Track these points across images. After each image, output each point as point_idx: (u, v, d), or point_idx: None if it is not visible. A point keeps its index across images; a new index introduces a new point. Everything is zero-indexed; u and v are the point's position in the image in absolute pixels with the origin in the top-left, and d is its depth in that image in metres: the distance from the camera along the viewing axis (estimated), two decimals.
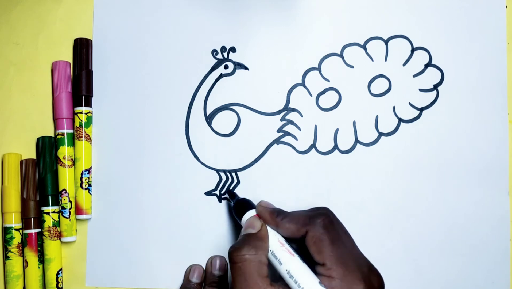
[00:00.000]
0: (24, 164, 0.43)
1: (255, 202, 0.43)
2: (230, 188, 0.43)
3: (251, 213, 0.38)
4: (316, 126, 0.44)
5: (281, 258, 0.35)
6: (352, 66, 0.44)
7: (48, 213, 0.42)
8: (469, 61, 0.44)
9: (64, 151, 0.43)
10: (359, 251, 0.35)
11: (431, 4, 0.44)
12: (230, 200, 0.42)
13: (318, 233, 0.34)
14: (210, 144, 0.44)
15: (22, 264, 0.43)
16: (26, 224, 0.42)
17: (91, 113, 0.44)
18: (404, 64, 0.44)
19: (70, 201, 0.43)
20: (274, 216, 0.37)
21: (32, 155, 0.44)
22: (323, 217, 0.35)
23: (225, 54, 0.44)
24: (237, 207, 0.40)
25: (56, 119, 0.43)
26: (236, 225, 0.43)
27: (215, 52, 0.44)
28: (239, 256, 0.33)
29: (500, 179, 0.43)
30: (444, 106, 0.43)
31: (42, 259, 0.43)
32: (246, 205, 0.40)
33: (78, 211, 0.43)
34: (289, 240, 0.36)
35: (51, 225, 0.42)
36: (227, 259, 0.43)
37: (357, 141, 0.43)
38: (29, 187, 0.42)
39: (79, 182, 0.43)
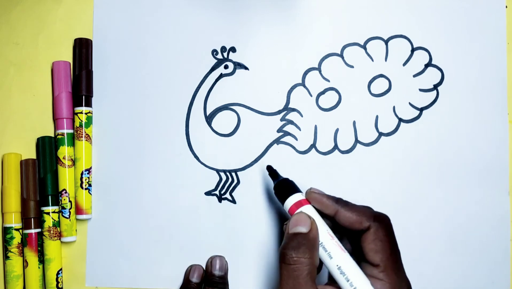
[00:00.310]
0: (24, 164, 0.43)
1: (253, 203, 0.43)
2: (230, 188, 0.43)
3: (297, 197, 0.36)
4: (316, 126, 0.44)
5: (331, 251, 0.33)
6: (352, 66, 0.44)
7: (48, 213, 0.42)
8: (469, 61, 0.44)
9: (64, 151, 0.43)
10: (403, 268, 0.35)
11: (431, 4, 0.44)
12: (272, 179, 0.39)
13: (381, 232, 0.33)
14: (210, 144, 0.44)
15: (22, 264, 0.43)
16: (26, 224, 0.42)
17: (91, 113, 0.44)
18: (404, 64, 0.44)
19: (70, 201, 0.43)
20: (333, 201, 0.35)
21: (32, 155, 0.44)
22: (387, 220, 0.34)
23: (225, 54, 0.44)
24: (279, 188, 0.38)
25: (56, 119, 0.43)
26: (237, 226, 0.43)
27: (215, 52, 0.44)
28: (293, 257, 0.32)
29: (500, 179, 0.43)
30: (444, 106, 0.43)
31: (42, 259, 0.43)
32: (289, 187, 0.37)
33: (78, 211, 0.43)
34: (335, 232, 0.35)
35: (51, 225, 0.42)
36: (227, 259, 0.43)
37: (357, 141, 0.43)
38: (29, 187, 0.42)
39: (79, 182, 0.43)
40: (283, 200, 0.37)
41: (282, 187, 0.37)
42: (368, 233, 0.33)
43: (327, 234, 0.34)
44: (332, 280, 0.34)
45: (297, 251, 0.32)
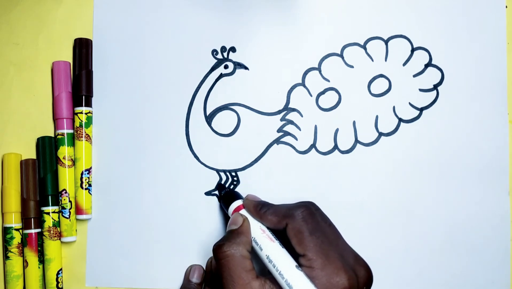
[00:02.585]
0: (24, 164, 0.43)
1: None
2: (231, 188, 0.43)
3: (237, 203, 0.40)
4: (316, 126, 0.44)
5: (261, 244, 0.36)
6: (352, 66, 0.44)
7: (48, 213, 0.42)
8: (469, 61, 0.44)
9: (64, 151, 0.43)
10: (345, 243, 0.36)
11: (431, 4, 0.44)
12: (219, 192, 0.43)
13: (297, 224, 0.35)
14: (210, 144, 0.44)
15: (22, 264, 0.43)
16: (26, 224, 0.42)
17: (91, 113, 0.44)
18: (404, 64, 0.44)
19: (70, 201, 0.43)
20: (258, 208, 0.38)
21: (32, 155, 0.44)
22: (302, 209, 0.36)
23: (225, 54, 0.44)
24: (225, 198, 0.41)
25: (56, 119, 0.43)
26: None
27: (215, 52, 0.44)
28: (221, 252, 0.35)
29: (500, 179, 0.43)
30: (444, 106, 0.43)
31: (42, 259, 0.43)
32: (233, 196, 0.41)
33: (78, 211, 0.43)
34: (274, 232, 0.37)
35: (51, 225, 0.42)
36: None
37: (357, 141, 0.43)
38: (29, 187, 0.42)
39: (79, 182, 0.43)
40: (227, 208, 0.41)
41: (226, 197, 0.41)
42: (288, 229, 0.35)
43: (259, 229, 0.37)
44: None
45: (224, 245, 0.35)
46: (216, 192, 0.43)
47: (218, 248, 0.35)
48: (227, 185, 0.43)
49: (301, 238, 0.34)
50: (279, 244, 0.36)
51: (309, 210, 0.36)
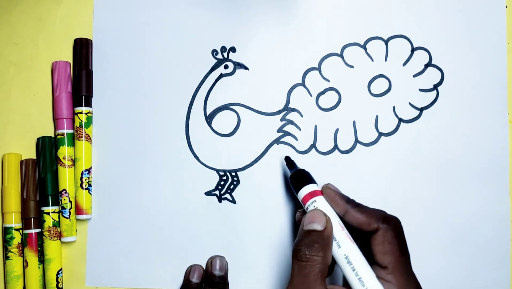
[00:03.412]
0: (24, 164, 0.43)
1: (252, 203, 0.43)
2: (230, 188, 0.43)
3: (311, 187, 0.37)
4: (316, 126, 0.44)
5: (340, 241, 0.34)
6: (352, 66, 0.44)
7: (48, 213, 0.42)
8: (469, 61, 0.44)
9: (64, 151, 0.43)
10: (412, 270, 0.35)
11: (431, 4, 0.44)
12: (288, 168, 0.41)
13: (389, 234, 0.33)
14: (210, 144, 0.44)
15: (22, 264, 0.43)
16: (26, 224, 0.42)
17: (91, 113, 0.44)
18: (404, 64, 0.44)
19: (70, 201, 0.43)
20: (345, 201, 0.36)
21: (32, 155, 0.44)
22: (397, 222, 0.34)
23: (225, 54, 0.44)
24: (295, 178, 0.39)
25: (56, 119, 0.43)
26: (237, 226, 0.43)
27: (215, 52, 0.44)
28: (305, 255, 0.32)
29: (500, 179, 0.43)
30: (444, 106, 0.43)
31: (42, 259, 0.43)
32: (305, 177, 0.38)
33: (78, 211, 0.43)
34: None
35: (51, 225, 0.42)
36: (227, 259, 0.43)
37: (357, 141, 0.43)
38: (29, 187, 0.42)
39: (79, 182, 0.43)
40: (297, 189, 0.38)
41: (298, 177, 0.38)
42: (376, 235, 0.34)
43: (338, 225, 0.34)
44: (346, 284, 0.34)
45: (310, 248, 0.32)
46: (216, 192, 0.43)
47: (302, 248, 0.33)
48: (227, 185, 0.43)
49: (389, 250, 0.33)
50: (357, 247, 0.34)
51: (401, 225, 0.34)
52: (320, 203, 0.36)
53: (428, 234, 0.43)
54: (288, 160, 0.41)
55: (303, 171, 0.39)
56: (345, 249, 0.33)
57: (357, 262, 0.33)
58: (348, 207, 0.35)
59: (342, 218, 0.36)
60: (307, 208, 0.37)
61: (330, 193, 0.36)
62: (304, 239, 0.33)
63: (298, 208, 0.43)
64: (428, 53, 0.44)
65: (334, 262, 0.34)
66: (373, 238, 0.34)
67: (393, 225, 0.34)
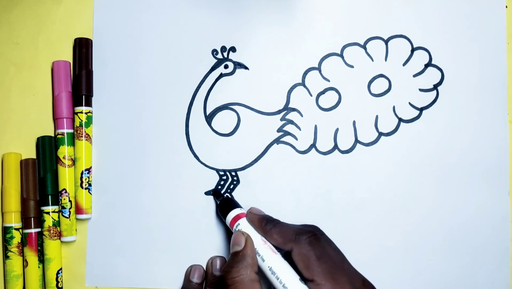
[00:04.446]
0: (24, 164, 0.43)
1: (252, 203, 0.43)
2: (230, 188, 0.43)
3: (236, 212, 0.40)
4: (316, 126, 0.44)
5: (263, 255, 0.36)
6: (352, 66, 0.44)
7: (48, 213, 0.42)
8: (469, 61, 0.44)
9: (64, 151, 0.43)
10: (351, 266, 0.35)
11: (431, 4, 0.44)
12: (215, 199, 0.43)
13: (303, 249, 0.35)
14: (210, 144, 0.44)
15: (22, 264, 0.43)
16: (26, 224, 0.42)
17: (91, 113, 0.44)
18: (404, 64, 0.44)
19: (70, 201, 0.43)
20: (263, 223, 0.38)
21: (32, 154, 0.44)
22: (308, 234, 0.35)
23: (225, 54, 0.44)
24: (222, 205, 0.41)
25: (56, 119, 0.43)
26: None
27: (215, 52, 0.44)
28: (230, 278, 0.34)
29: (500, 179, 0.43)
30: (444, 106, 0.43)
31: (42, 259, 0.43)
32: (231, 204, 0.41)
33: (78, 210, 0.43)
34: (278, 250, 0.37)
35: (51, 225, 0.42)
36: (227, 260, 0.43)
37: (357, 141, 0.43)
38: (29, 186, 0.42)
39: (79, 181, 0.43)
40: (224, 216, 0.40)
41: (224, 205, 0.41)
42: (293, 254, 0.35)
43: (260, 240, 0.37)
44: None
45: (232, 271, 0.35)
46: (216, 192, 0.43)
47: (226, 274, 0.35)
48: (227, 185, 0.43)
49: (308, 263, 0.34)
50: (280, 256, 0.36)
51: (315, 235, 0.35)
52: (243, 225, 0.38)
53: (428, 234, 0.43)
54: (215, 192, 0.43)
55: (227, 198, 0.42)
56: (268, 262, 0.35)
57: (280, 271, 0.34)
58: (266, 229, 0.37)
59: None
60: (234, 230, 0.39)
61: (251, 216, 0.39)
62: (229, 263, 0.36)
63: (298, 208, 0.43)
64: (428, 53, 0.44)
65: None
66: (293, 258, 0.35)
67: (305, 236, 0.35)
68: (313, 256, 0.34)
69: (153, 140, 0.44)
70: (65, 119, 0.43)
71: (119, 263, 0.43)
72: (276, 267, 0.35)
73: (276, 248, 0.37)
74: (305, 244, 0.35)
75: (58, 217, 0.43)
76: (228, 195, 0.43)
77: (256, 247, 0.36)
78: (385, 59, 0.44)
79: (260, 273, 0.36)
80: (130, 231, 0.43)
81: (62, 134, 0.43)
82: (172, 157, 0.44)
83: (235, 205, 0.41)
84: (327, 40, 0.44)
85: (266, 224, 0.37)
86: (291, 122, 0.44)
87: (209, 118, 0.44)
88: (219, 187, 0.43)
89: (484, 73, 0.43)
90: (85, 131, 0.43)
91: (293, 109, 0.44)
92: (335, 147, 0.43)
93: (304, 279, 0.34)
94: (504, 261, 0.42)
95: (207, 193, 0.43)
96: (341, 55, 0.44)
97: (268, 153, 0.44)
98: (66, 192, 0.43)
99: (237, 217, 0.39)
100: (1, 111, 0.45)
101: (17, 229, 0.42)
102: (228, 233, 0.43)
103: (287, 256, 0.36)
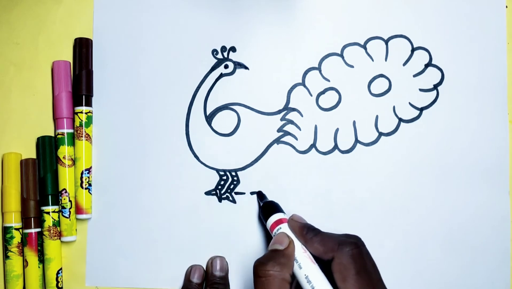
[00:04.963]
0: (24, 164, 0.43)
1: (252, 202, 0.43)
2: (230, 188, 0.43)
3: (278, 216, 0.39)
4: (316, 126, 0.44)
5: (301, 262, 0.35)
6: (352, 66, 0.44)
7: (48, 213, 0.42)
8: (469, 61, 0.44)
9: (64, 151, 0.43)
10: (384, 286, 0.35)
11: (431, 4, 0.44)
12: (259, 200, 0.43)
13: (344, 261, 0.34)
14: (210, 144, 0.44)
15: (22, 264, 0.43)
16: (26, 224, 0.42)
17: (91, 113, 0.44)
18: (404, 64, 0.44)
19: (70, 201, 0.43)
20: (304, 232, 0.37)
21: (32, 154, 0.44)
22: (352, 246, 0.35)
23: (225, 54, 0.44)
24: (265, 208, 0.41)
25: (56, 119, 0.43)
26: (237, 226, 0.43)
27: (215, 52, 0.44)
28: (263, 270, 0.34)
29: (500, 179, 0.43)
30: (444, 106, 0.43)
31: (42, 259, 0.43)
32: (273, 207, 0.40)
33: (78, 210, 0.43)
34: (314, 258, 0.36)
35: (51, 225, 0.42)
36: (227, 260, 0.43)
37: (357, 141, 0.43)
38: (29, 186, 0.42)
39: (79, 181, 0.43)
40: (266, 219, 0.40)
41: (267, 207, 0.41)
42: (333, 263, 0.34)
43: (300, 248, 0.36)
44: None
45: (268, 264, 0.34)
46: (216, 192, 0.43)
47: (260, 265, 0.34)
48: (227, 185, 0.43)
49: (346, 276, 0.33)
50: (318, 267, 0.35)
51: (358, 248, 0.35)
52: (285, 229, 0.38)
53: (428, 234, 0.43)
54: (259, 194, 0.43)
55: (272, 202, 0.41)
56: (305, 270, 0.35)
57: (316, 281, 0.34)
58: (307, 237, 0.37)
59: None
60: (274, 234, 0.39)
61: (293, 224, 0.38)
62: (264, 257, 0.35)
63: (298, 208, 0.43)
64: (428, 53, 0.44)
65: (298, 284, 0.35)
66: (331, 267, 0.34)
67: (348, 248, 0.34)
68: (353, 270, 0.33)
69: (153, 140, 0.44)
70: (65, 119, 0.43)
71: (119, 263, 0.43)
72: (312, 276, 0.34)
73: (315, 258, 0.36)
74: (347, 256, 0.34)
75: (58, 217, 0.43)
76: (272, 200, 0.42)
77: (295, 253, 0.36)
78: (385, 59, 0.44)
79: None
80: (130, 231, 0.43)
81: (62, 134, 0.43)
82: (172, 157, 0.44)
83: (277, 209, 0.40)
84: (327, 40, 0.44)
85: (307, 232, 0.37)
86: (291, 122, 0.44)
87: (209, 118, 0.44)
88: (219, 187, 0.43)
89: (484, 73, 0.43)
90: (85, 131, 0.43)
91: (293, 109, 0.44)
92: (335, 147, 0.43)
93: None
94: (504, 261, 0.42)
95: (207, 193, 0.43)
96: (341, 55, 0.44)
97: (268, 153, 0.44)
98: (66, 192, 0.43)
99: (279, 222, 0.39)
100: (1, 111, 0.45)
101: (17, 229, 0.42)
102: (229, 233, 0.43)
103: (324, 269, 0.35)
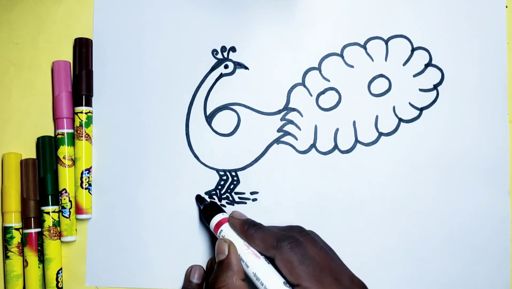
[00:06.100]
0: (24, 164, 0.43)
1: (252, 203, 0.43)
2: (230, 188, 0.43)
3: (219, 217, 0.39)
4: (316, 126, 0.44)
5: (247, 260, 0.36)
6: (352, 66, 0.44)
7: (48, 213, 0.42)
8: (469, 61, 0.44)
9: (64, 151, 0.43)
10: (339, 264, 0.35)
11: (431, 4, 0.44)
12: (198, 204, 0.43)
13: (286, 255, 0.34)
14: (210, 144, 0.44)
15: (22, 264, 0.43)
16: (26, 224, 0.42)
17: (91, 113, 0.44)
18: (404, 64, 0.44)
19: (70, 201, 0.43)
20: (245, 228, 0.37)
21: (32, 154, 0.44)
22: (289, 240, 0.35)
23: (225, 54, 0.44)
24: (205, 211, 0.41)
25: (56, 119, 0.43)
26: None
27: (215, 52, 0.44)
28: (217, 288, 0.35)
29: (500, 179, 0.43)
30: (444, 106, 0.43)
31: (42, 259, 0.43)
32: (213, 209, 0.40)
33: (78, 210, 0.43)
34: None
35: (51, 225, 0.42)
36: None
37: (357, 141, 0.43)
38: (29, 186, 0.42)
39: (79, 181, 0.43)
40: (208, 221, 0.40)
41: (207, 210, 0.41)
42: (277, 261, 0.35)
43: (243, 246, 0.37)
44: None
45: (218, 281, 0.35)
46: (216, 192, 0.43)
47: (212, 285, 0.35)
48: (227, 185, 0.43)
49: (291, 269, 0.34)
50: (264, 260, 0.36)
51: (296, 240, 0.35)
52: (226, 231, 0.38)
53: (428, 234, 0.43)
54: (198, 197, 0.43)
55: (212, 203, 0.42)
56: (252, 267, 0.35)
57: (264, 276, 0.34)
58: (248, 234, 0.37)
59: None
60: (218, 236, 0.39)
61: (233, 222, 0.38)
62: (214, 273, 0.36)
63: (298, 208, 0.43)
64: (428, 53, 0.44)
65: None
66: (276, 264, 0.35)
67: (286, 242, 0.35)
68: (296, 261, 0.34)
69: (153, 140, 0.44)
70: (65, 119, 0.43)
71: (119, 263, 0.43)
72: (260, 272, 0.35)
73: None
74: (287, 250, 0.34)
75: (58, 217, 0.43)
76: (212, 200, 0.43)
77: (239, 253, 0.36)
78: (385, 59, 0.44)
79: (248, 279, 0.36)
80: (130, 231, 0.43)
81: (62, 134, 0.43)
82: (172, 157, 0.44)
83: (219, 210, 0.40)
84: (327, 40, 0.44)
85: (248, 228, 0.37)
86: (291, 122, 0.44)
87: (209, 118, 0.44)
88: (219, 187, 0.43)
89: (484, 73, 0.43)
90: (85, 131, 0.43)
91: (293, 109, 0.44)
92: (335, 147, 0.43)
93: (290, 285, 0.34)
94: (504, 261, 0.42)
95: (207, 193, 0.44)
96: (341, 55, 0.44)
97: (268, 153, 0.44)
98: (66, 192, 0.43)
99: (220, 223, 0.39)
100: (1, 111, 0.45)
101: (17, 229, 0.42)
102: None
103: (272, 259, 0.36)
